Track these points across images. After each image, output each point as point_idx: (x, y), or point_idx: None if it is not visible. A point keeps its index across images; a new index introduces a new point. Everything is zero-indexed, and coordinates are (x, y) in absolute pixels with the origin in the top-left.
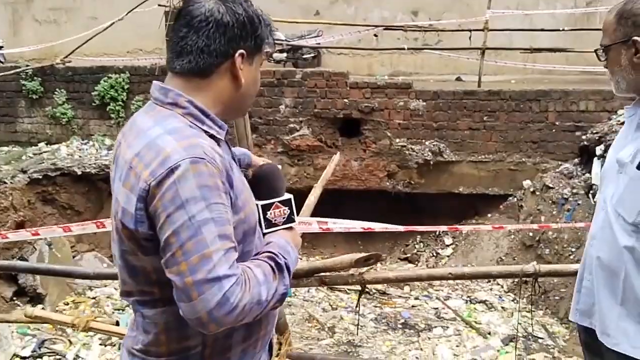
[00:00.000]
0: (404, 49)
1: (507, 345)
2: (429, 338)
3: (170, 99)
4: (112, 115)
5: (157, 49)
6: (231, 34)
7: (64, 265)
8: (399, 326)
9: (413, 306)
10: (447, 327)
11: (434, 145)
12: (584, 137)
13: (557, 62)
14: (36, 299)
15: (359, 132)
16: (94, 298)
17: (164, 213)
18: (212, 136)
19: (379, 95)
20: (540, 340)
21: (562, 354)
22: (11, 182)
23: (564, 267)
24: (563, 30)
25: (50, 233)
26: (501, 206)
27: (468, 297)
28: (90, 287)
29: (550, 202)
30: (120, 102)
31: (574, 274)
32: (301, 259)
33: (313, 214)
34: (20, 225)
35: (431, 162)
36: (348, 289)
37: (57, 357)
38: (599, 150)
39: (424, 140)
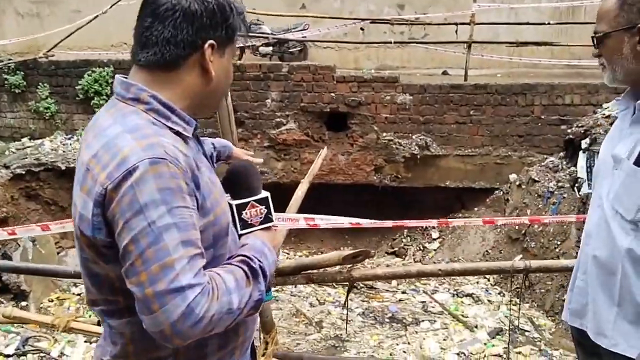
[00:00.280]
0: (390, 42)
1: (493, 338)
2: (416, 332)
3: (132, 94)
4: (97, 110)
5: None
6: (200, 24)
7: (48, 261)
8: (387, 320)
9: (400, 300)
10: (435, 321)
11: (420, 139)
12: (569, 130)
13: (543, 56)
14: (20, 296)
15: (345, 126)
16: (79, 294)
17: (121, 219)
18: (178, 133)
19: (365, 89)
20: (526, 334)
21: (549, 346)
22: None
23: (554, 262)
24: (548, 24)
25: (28, 232)
26: (487, 200)
27: (455, 290)
28: (75, 283)
29: (536, 195)
30: (105, 97)
31: (564, 269)
32: (288, 253)
33: (300, 209)
34: (3, 222)
35: (418, 156)
36: (335, 284)
37: (42, 354)
38: (584, 143)
39: (410, 134)
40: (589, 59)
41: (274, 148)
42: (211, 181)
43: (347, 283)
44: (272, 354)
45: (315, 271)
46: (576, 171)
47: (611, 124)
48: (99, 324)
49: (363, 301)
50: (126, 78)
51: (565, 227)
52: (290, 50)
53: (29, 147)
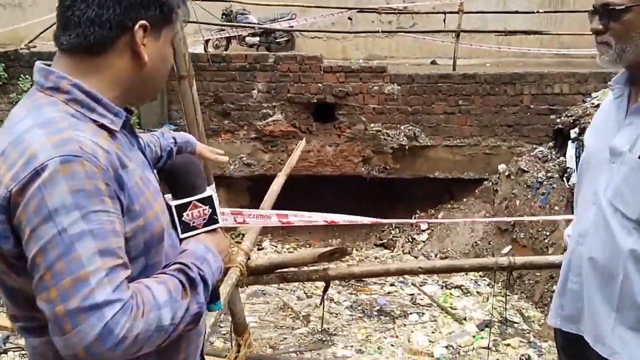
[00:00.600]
0: (378, 32)
1: (482, 330)
2: (404, 325)
3: (52, 83)
4: None
5: None
6: (128, 2)
7: None
8: (375, 313)
9: (389, 292)
10: (423, 314)
11: (409, 129)
12: (558, 120)
13: (532, 45)
14: None
15: (333, 117)
16: None
17: (28, 226)
18: (104, 126)
19: (353, 80)
20: (515, 325)
21: (538, 338)
22: None
23: (540, 259)
24: (537, 12)
25: None
26: (476, 190)
27: (444, 282)
28: None
29: (525, 186)
30: None
31: (550, 265)
32: (276, 246)
33: (283, 203)
34: None
35: (406, 147)
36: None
37: (23, 352)
38: (573, 133)
39: (399, 125)
40: (578, 47)
41: (260, 139)
42: (143, 180)
43: (323, 282)
44: (245, 357)
45: (289, 270)
46: (565, 161)
47: None
48: None
49: (351, 294)
50: (48, 65)
51: None
52: (277, 41)
53: None
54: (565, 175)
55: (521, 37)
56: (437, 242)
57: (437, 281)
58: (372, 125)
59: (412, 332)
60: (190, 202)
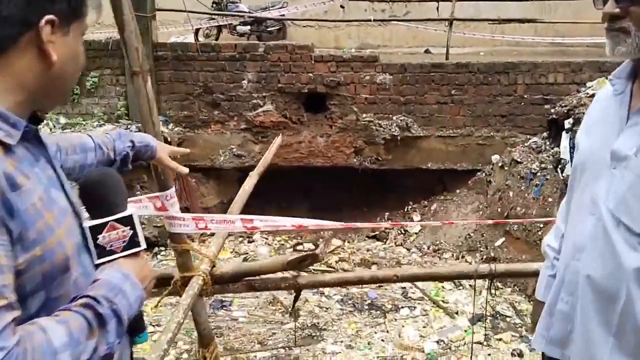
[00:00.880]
0: (370, 20)
1: (474, 324)
2: (395, 319)
3: None
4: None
5: None
6: None
7: None
8: (365, 307)
9: (380, 286)
10: (414, 307)
11: (401, 120)
12: (552, 110)
13: (526, 34)
14: None
15: (324, 108)
16: None
17: None
18: None
19: (344, 69)
20: (507, 319)
21: (530, 332)
22: None
23: (521, 266)
24: (531, 0)
25: None
26: (469, 181)
27: None
28: None
29: (518, 177)
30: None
31: (532, 274)
32: (266, 238)
33: (274, 195)
34: None
35: (399, 138)
36: (314, 269)
37: None
38: (567, 123)
39: (391, 115)
40: (573, 36)
41: (251, 130)
42: (44, 201)
43: (294, 291)
44: None
45: (257, 278)
46: (559, 152)
47: None
48: None
49: (342, 287)
50: None
51: (548, 209)
52: (268, 29)
53: None
54: (559, 166)
55: (515, 26)
56: (429, 234)
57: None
58: (363, 115)
59: (403, 326)
60: (106, 223)
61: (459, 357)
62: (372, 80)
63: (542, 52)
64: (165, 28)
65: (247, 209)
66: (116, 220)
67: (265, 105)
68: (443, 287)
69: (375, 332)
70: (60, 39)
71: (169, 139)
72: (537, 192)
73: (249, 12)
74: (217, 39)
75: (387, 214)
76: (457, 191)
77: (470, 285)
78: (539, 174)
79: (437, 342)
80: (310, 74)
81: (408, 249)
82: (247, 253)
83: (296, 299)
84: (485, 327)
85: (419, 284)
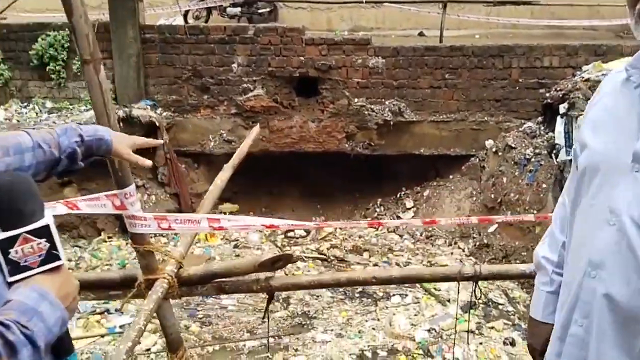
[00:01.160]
0: (363, 1)
1: (466, 312)
2: (386, 307)
3: None
4: (53, 76)
5: (103, 3)
6: None
7: None
8: (357, 295)
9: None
10: (406, 295)
11: (394, 104)
12: (547, 94)
13: (522, 16)
14: None
15: (316, 92)
16: None
17: None
18: None
19: (336, 53)
20: (500, 307)
21: (522, 320)
22: None
23: (508, 267)
24: None
25: None
26: (463, 167)
27: (429, 262)
28: None
29: (512, 162)
30: (61, 62)
31: (519, 276)
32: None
33: (266, 181)
34: None
35: (391, 123)
36: (306, 257)
37: None
38: (562, 108)
39: (383, 100)
40: (570, 18)
41: (241, 115)
42: None
43: (267, 294)
44: None
45: (227, 280)
46: (554, 137)
47: (591, 88)
48: None
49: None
50: None
51: (542, 195)
52: (259, 11)
53: None
54: (554, 151)
55: (511, 8)
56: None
57: (422, 261)
58: (356, 100)
59: (394, 314)
60: (18, 236)
61: (450, 345)
62: (364, 64)
63: (538, 35)
64: (153, 10)
65: (237, 196)
66: (30, 232)
67: (255, 89)
68: None
69: (366, 321)
70: None
71: (157, 124)
72: (531, 178)
73: None
74: (206, 21)
75: (379, 199)
76: (451, 177)
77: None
78: (533, 159)
79: (429, 330)
80: (302, 58)
81: (400, 236)
82: (237, 240)
83: (269, 302)
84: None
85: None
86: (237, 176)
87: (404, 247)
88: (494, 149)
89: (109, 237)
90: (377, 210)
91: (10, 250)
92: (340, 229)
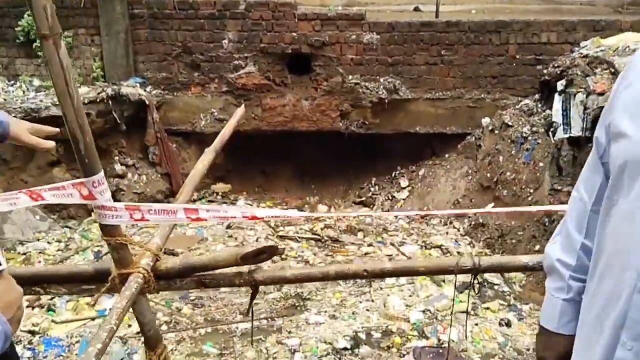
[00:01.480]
0: None
1: (461, 293)
2: (380, 288)
3: None
4: (40, 54)
5: None
6: None
7: None
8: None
9: (366, 253)
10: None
11: (389, 82)
12: (545, 71)
13: None
14: None
15: (309, 69)
16: (24, 254)
17: None
18: None
19: (329, 28)
20: (495, 287)
21: (518, 300)
22: None
23: (510, 259)
24: None
25: None
26: (459, 146)
27: (423, 242)
28: (21, 241)
29: (509, 141)
30: None
31: (520, 268)
32: (251, 204)
33: (259, 160)
34: None
35: (386, 101)
36: (299, 237)
37: None
38: (560, 85)
39: (378, 77)
40: None
41: (232, 93)
42: None
43: (250, 288)
44: None
45: (208, 273)
46: (551, 115)
47: (589, 64)
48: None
49: (327, 255)
50: None
51: (538, 174)
52: None
53: None
54: (551, 129)
55: None
56: (417, 200)
57: (417, 241)
58: (350, 77)
59: (389, 295)
60: None
61: (445, 326)
62: (358, 40)
63: (536, 10)
64: None
65: (230, 175)
66: None
67: (247, 66)
68: (430, 254)
69: (360, 302)
70: None
71: (147, 102)
72: (527, 157)
73: None
74: None
75: (374, 179)
76: (446, 155)
77: (458, 252)
78: (530, 137)
79: (423, 311)
80: (294, 34)
81: (395, 216)
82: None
83: (253, 296)
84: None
85: (406, 250)
86: (230, 155)
87: (399, 227)
88: (490, 127)
89: None
90: (372, 189)
91: None
92: (334, 208)
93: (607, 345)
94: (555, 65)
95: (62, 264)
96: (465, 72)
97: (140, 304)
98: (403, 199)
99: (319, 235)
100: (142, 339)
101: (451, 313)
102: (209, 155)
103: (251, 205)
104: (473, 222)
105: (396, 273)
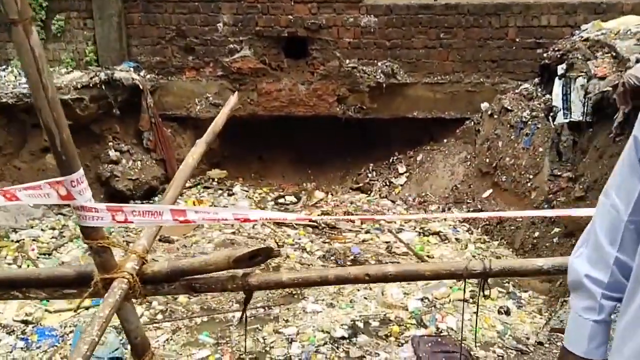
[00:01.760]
0: None
1: (459, 281)
2: None
3: None
4: None
5: None
6: None
7: None
8: (348, 263)
9: (364, 240)
10: (399, 263)
11: (386, 66)
12: (545, 54)
13: None
14: None
15: (305, 53)
16: (18, 241)
17: None
18: None
19: (326, 11)
20: None
21: (517, 288)
22: None
23: (523, 262)
24: None
25: None
26: (457, 131)
27: (421, 228)
28: (14, 229)
29: (508, 125)
30: (40, 22)
31: (535, 272)
32: (247, 191)
33: (256, 145)
34: None
35: (384, 85)
36: (297, 224)
37: None
38: (560, 69)
39: (376, 61)
40: None
41: (228, 77)
42: None
43: (243, 293)
44: None
45: (198, 277)
46: (551, 99)
47: (590, 48)
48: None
49: (324, 242)
50: None
51: (538, 159)
52: None
53: None
54: (551, 114)
55: None
56: (415, 186)
57: (414, 227)
58: (347, 61)
59: (387, 283)
60: None
61: (444, 315)
62: (356, 23)
63: None
64: None
65: (226, 161)
66: None
67: (242, 50)
68: (428, 240)
69: (358, 290)
70: None
71: (141, 87)
72: (527, 142)
73: None
74: None
75: (371, 164)
76: (445, 141)
77: (456, 239)
78: (529, 122)
79: (422, 299)
80: (290, 16)
81: (393, 201)
82: (226, 206)
83: (247, 302)
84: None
85: (404, 237)
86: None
87: (397, 213)
88: (489, 112)
89: None
90: (369, 175)
91: None
92: (332, 194)
93: None
94: (556, 48)
95: (51, 256)
96: (465, 56)
97: (126, 310)
98: (401, 185)
99: (316, 222)
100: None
101: (450, 301)
102: (199, 148)
103: (247, 191)
104: (472, 209)
105: (400, 277)
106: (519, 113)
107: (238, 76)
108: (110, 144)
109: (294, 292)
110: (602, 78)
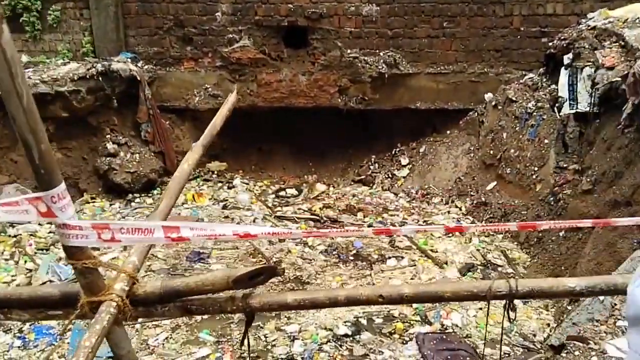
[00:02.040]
0: None
1: (464, 275)
2: (382, 271)
3: None
4: (27, 28)
5: None
6: None
7: None
8: (351, 258)
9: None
10: (402, 258)
11: (389, 56)
12: (550, 44)
13: None
14: None
15: (306, 43)
16: (15, 237)
17: None
18: None
19: None
20: (499, 269)
21: None
22: None
23: (553, 283)
24: None
25: None
26: (461, 122)
27: (425, 222)
28: (12, 224)
29: (512, 117)
30: (35, 13)
31: (567, 294)
32: (247, 183)
33: (256, 137)
34: None
35: (386, 75)
36: (298, 218)
37: None
38: (566, 59)
39: (377, 51)
40: None
41: (227, 68)
42: None
43: (244, 315)
44: None
45: (194, 298)
46: (557, 90)
47: (597, 37)
48: None
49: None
50: None
51: (543, 151)
52: None
53: None
54: (557, 105)
55: None
56: (418, 178)
57: (418, 220)
58: (348, 51)
59: (390, 278)
60: None
61: (449, 311)
62: (357, 12)
63: None
64: None
65: (226, 153)
66: None
67: (241, 40)
68: (432, 235)
69: (361, 285)
70: None
71: (138, 78)
72: (532, 134)
73: None
74: None
75: (373, 156)
76: (448, 132)
77: (460, 233)
78: (534, 113)
79: None
80: (290, 5)
81: (395, 194)
82: (226, 200)
83: (248, 325)
84: (484, 264)
85: (407, 231)
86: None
87: (399, 206)
88: (493, 103)
89: (92, 198)
90: (371, 167)
91: None
92: (333, 187)
93: None
94: (562, 37)
95: (28, 284)
96: (468, 45)
97: (116, 334)
98: (403, 177)
99: (317, 215)
100: None
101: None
102: (196, 153)
103: (247, 184)
104: (475, 201)
105: (417, 299)
106: (523, 104)
107: (237, 67)
108: (108, 136)
109: (295, 288)
110: (611, 68)
